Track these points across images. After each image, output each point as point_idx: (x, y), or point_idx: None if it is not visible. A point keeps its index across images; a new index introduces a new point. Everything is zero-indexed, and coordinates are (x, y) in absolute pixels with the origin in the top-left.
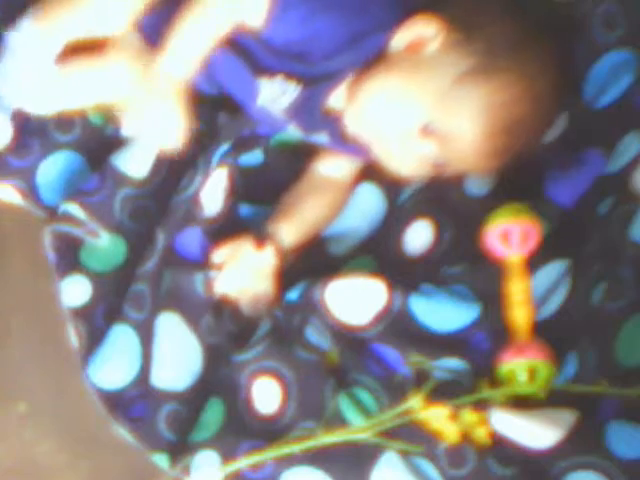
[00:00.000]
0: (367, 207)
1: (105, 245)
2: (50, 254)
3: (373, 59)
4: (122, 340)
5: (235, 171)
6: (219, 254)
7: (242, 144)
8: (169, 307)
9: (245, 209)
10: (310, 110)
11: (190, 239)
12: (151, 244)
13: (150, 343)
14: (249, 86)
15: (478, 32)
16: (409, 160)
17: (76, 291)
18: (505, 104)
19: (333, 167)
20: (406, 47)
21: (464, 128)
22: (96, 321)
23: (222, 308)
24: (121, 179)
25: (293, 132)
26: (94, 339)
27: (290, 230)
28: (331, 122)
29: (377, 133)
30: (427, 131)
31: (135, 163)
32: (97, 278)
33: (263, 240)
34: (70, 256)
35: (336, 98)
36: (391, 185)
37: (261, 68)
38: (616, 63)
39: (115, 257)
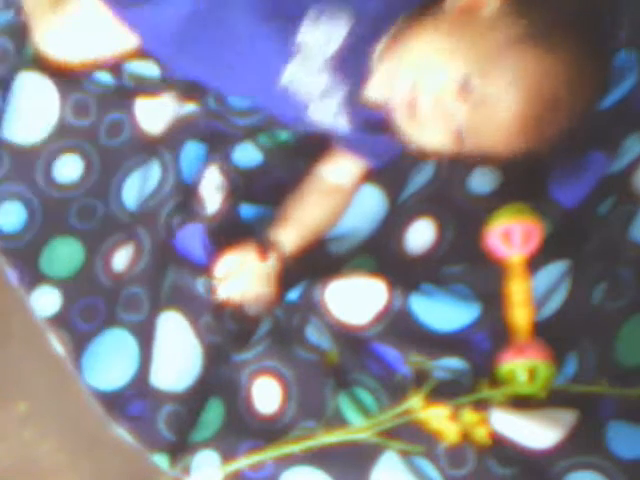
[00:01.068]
0: (368, 209)
1: (62, 249)
2: (10, 272)
3: (418, 14)
4: (116, 343)
5: (230, 171)
6: (222, 264)
7: (221, 141)
8: (171, 306)
9: (246, 209)
10: (358, 56)
11: (191, 236)
12: (104, 242)
13: (149, 344)
14: (274, 63)
15: (537, 3)
16: (435, 125)
17: (47, 301)
18: (549, 79)
19: (337, 172)
20: (461, 7)
21: (503, 93)
22: (76, 324)
23: (223, 308)
24: (58, 186)
25: (291, 130)
26: (80, 343)
27: (292, 236)
28: (362, 114)
29: (414, 83)
30: (465, 88)
31: (66, 169)
32: (63, 283)
33: (266, 249)
34: (31, 268)
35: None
36: (392, 186)
37: (302, 5)
38: (619, 64)
39: (74, 259)
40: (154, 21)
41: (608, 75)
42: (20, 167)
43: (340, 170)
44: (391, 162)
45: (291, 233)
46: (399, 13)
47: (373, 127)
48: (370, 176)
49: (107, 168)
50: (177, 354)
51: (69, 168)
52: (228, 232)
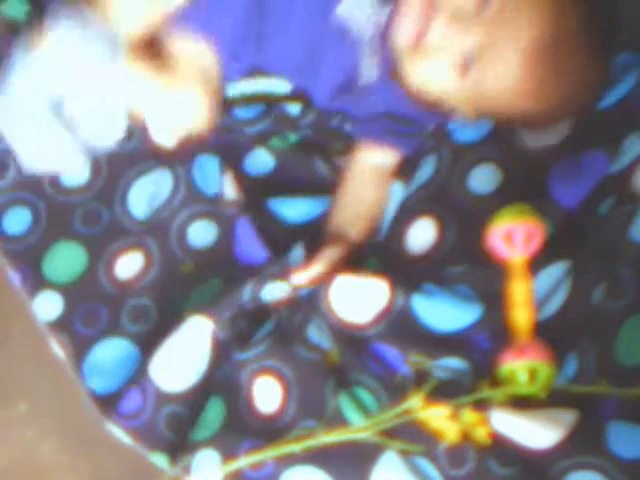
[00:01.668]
0: (393, 203)
1: (65, 253)
2: (13, 275)
3: None
4: (118, 352)
5: (243, 179)
6: (308, 276)
7: (232, 151)
8: (198, 311)
9: (277, 203)
10: None
11: (244, 230)
12: (108, 248)
13: (152, 353)
14: None
15: None
16: (442, 53)
17: (48, 306)
18: (569, 12)
19: (374, 155)
20: None
21: (521, 16)
22: (77, 329)
23: (241, 306)
24: (64, 191)
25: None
26: (81, 347)
27: (356, 225)
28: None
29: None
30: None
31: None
32: (65, 289)
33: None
34: (34, 271)
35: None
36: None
37: None
38: (620, 65)
39: (77, 264)
40: None
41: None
42: (27, 174)
43: (379, 154)
44: (414, 151)
45: (354, 222)
46: None
47: (395, 76)
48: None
49: (114, 173)
50: (187, 356)
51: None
52: (262, 230)
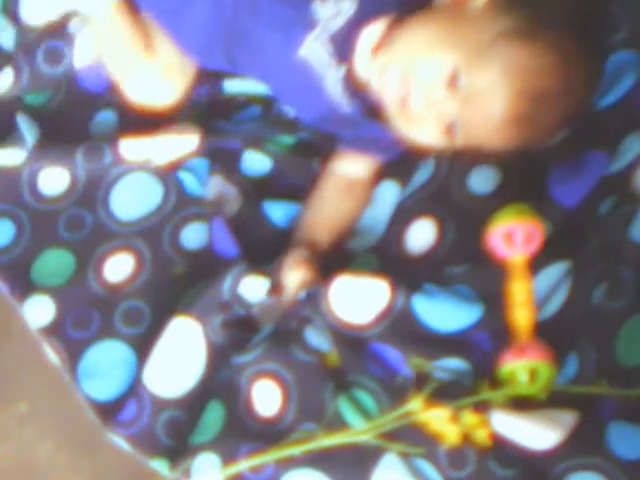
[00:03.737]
0: (387, 204)
1: (53, 261)
2: (1, 286)
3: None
4: (113, 355)
5: (239, 179)
6: (294, 290)
7: (224, 154)
8: (185, 313)
9: (269, 206)
10: (354, 36)
11: (218, 230)
12: (95, 251)
13: (148, 355)
14: (294, 31)
15: None
16: (426, 120)
17: (40, 310)
18: (536, 72)
19: (350, 167)
20: (450, 2)
21: (491, 86)
22: (69, 333)
23: (231, 311)
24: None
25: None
26: (74, 351)
27: (323, 236)
28: (359, 97)
29: (405, 79)
30: (454, 83)
31: (52, 182)
32: (56, 292)
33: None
34: (21, 281)
35: (363, 63)
36: (408, 181)
37: None
38: (619, 64)
39: (65, 270)
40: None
41: (600, 70)
42: (5, 187)
43: (353, 164)
44: (403, 155)
45: (322, 233)
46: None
47: (370, 112)
48: (387, 171)
49: (93, 178)
50: (181, 360)
51: (55, 180)
52: (254, 232)
